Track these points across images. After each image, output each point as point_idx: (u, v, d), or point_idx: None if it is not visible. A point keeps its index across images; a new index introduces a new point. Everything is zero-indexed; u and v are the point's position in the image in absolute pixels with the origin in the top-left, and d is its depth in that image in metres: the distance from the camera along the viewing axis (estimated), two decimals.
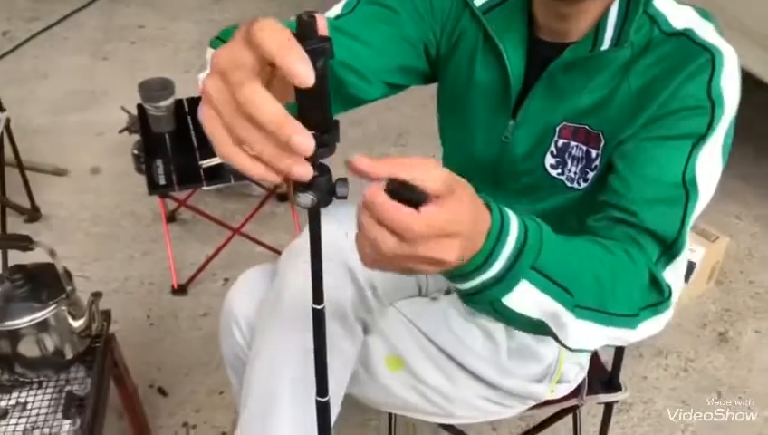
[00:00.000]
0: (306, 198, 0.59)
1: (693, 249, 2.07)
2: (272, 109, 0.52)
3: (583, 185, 1.06)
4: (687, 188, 0.93)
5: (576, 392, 1.35)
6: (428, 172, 0.60)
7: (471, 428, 1.37)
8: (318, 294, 0.67)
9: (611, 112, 1.01)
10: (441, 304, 1.23)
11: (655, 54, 0.98)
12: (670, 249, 0.91)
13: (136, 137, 2.29)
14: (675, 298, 0.91)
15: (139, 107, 2.24)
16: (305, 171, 0.55)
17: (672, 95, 0.95)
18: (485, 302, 0.74)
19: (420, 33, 1.11)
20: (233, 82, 0.53)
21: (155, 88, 2.15)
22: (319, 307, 0.68)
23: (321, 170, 0.59)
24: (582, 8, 0.98)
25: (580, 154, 1.05)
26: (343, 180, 0.61)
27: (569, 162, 1.07)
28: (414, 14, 1.10)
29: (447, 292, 1.30)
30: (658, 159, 0.95)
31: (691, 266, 2.06)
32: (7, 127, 2.28)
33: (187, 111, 2.30)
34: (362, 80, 1.03)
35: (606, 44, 0.99)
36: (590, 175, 1.05)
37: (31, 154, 2.67)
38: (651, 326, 0.89)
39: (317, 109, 0.57)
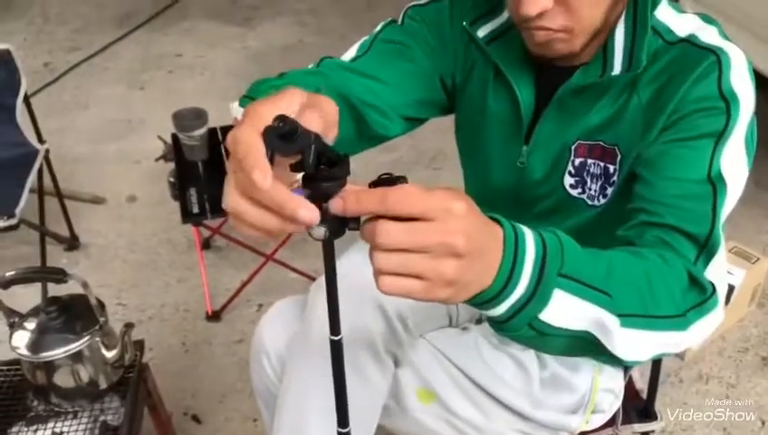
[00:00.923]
0: (319, 231, 0.60)
1: (732, 272, 2.02)
2: (275, 193, 0.58)
3: (603, 201, 1.05)
4: (714, 184, 0.90)
5: (611, 422, 1.32)
6: (407, 203, 0.59)
7: None
8: (335, 325, 0.67)
9: (623, 126, 1.00)
10: (472, 334, 1.22)
11: (660, 64, 0.97)
12: (706, 247, 0.88)
13: (172, 165, 2.32)
14: (721, 295, 0.86)
15: (174, 136, 2.27)
16: (311, 215, 0.59)
17: (683, 100, 0.93)
18: (523, 325, 0.70)
19: (435, 66, 1.13)
20: (245, 168, 0.59)
21: (188, 117, 2.18)
22: (336, 338, 0.68)
23: None
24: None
25: (599, 171, 1.05)
26: None
27: (588, 180, 1.06)
28: (427, 49, 1.12)
29: (479, 321, 1.29)
30: (681, 159, 0.93)
31: (731, 289, 2.02)
32: (47, 158, 2.33)
33: (220, 139, 2.32)
34: (384, 117, 1.06)
35: (617, 69, 0.99)
36: (609, 191, 1.04)
37: (70, 183, 2.74)
38: (702, 327, 0.83)
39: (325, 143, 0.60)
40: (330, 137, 0.66)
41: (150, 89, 3.53)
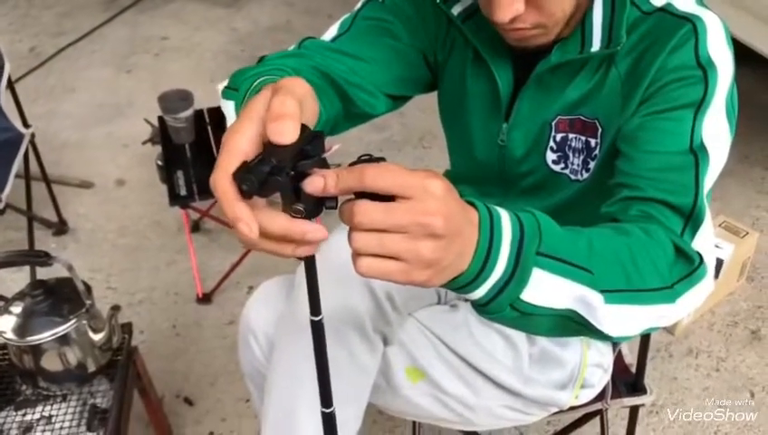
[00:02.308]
0: (296, 209, 0.59)
1: (721, 246, 2.02)
2: (275, 226, 0.59)
3: (586, 175, 1.05)
4: (696, 154, 0.89)
5: (600, 396, 1.32)
6: (385, 178, 0.58)
7: (498, 433, 1.36)
8: (315, 306, 0.67)
9: (602, 99, 1.00)
10: (461, 311, 1.22)
11: (637, 34, 0.96)
12: (691, 218, 0.87)
13: (160, 148, 2.30)
14: (709, 265, 0.85)
15: (160, 119, 2.26)
16: (321, 233, 0.59)
17: (660, 70, 0.93)
18: (505, 306, 0.69)
19: (417, 42, 1.13)
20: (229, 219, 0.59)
21: (174, 99, 2.16)
22: (316, 319, 0.67)
23: None
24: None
25: (580, 145, 1.05)
26: None
27: (570, 155, 1.06)
28: (408, 25, 1.12)
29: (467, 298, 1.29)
30: (661, 131, 0.92)
31: (720, 263, 2.02)
32: (33, 142, 2.31)
33: (207, 121, 2.31)
34: (369, 95, 1.05)
35: (596, 45, 0.98)
36: (592, 165, 1.04)
37: (57, 167, 2.72)
38: (692, 298, 0.83)
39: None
40: (309, 116, 0.65)
41: (138, 72, 3.50)
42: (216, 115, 2.29)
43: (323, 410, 0.73)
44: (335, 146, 0.68)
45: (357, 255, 0.60)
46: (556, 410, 1.28)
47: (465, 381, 1.18)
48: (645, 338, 1.36)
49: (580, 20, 0.98)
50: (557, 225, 0.72)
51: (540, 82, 1.04)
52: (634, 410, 1.49)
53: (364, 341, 1.11)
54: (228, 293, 2.26)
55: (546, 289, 0.70)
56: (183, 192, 2.03)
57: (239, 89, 0.89)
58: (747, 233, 2.11)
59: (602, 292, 0.74)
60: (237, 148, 0.59)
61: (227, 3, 4.06)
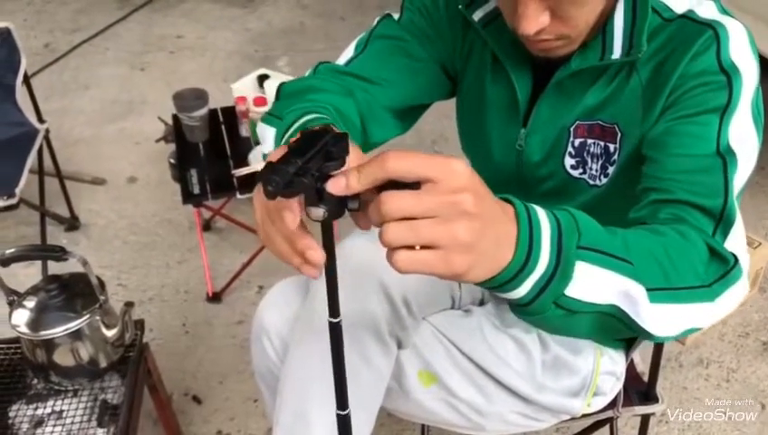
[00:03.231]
0: (318, 212, 0.58)
1: None
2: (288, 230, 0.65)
3: (604, 181, 1.05)
4: (724, 156, 0.89)
5: (612, 404, 1.32)
6: (408, 162, 0.57)
7: None
8: (334, 308, 0.66)
9: (622, 104, 1.00)
10: (474, 316, 1.22)
11: (658, 41, 0.96)
12: (722, 219, 0.86)
13: (173, 146, 2.31)
14: (744, 266, 0.84)
15: (174, 117, 2.26)
16: (318, 256, 0.64)
17: (683, 76, 0.92)
18: (549, 304, 0.66)
19: (435, 55, 1.15)
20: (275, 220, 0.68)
21: (189, 98, 2.17)
22: (335, 321, 0.67)
23: None
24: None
25: (599, 151, 1.04)
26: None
27: (588, 160, 1.06)
28: (424, 39, 1.13)
29: (481, 303, 1.28)
30: (688, 135, 0.91)
31: None
32: (47, 138, 2.32)
33: (221, 120, 2.31)
34: (380, 126, 1.10)
35: (617, 53, 0.97)
36: (610, 170, 1.04)
37: (70, 164, 2.73)
38: (730, 298, 0.81)
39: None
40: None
41: (151, 70, 3.52)
42: (230, 115, 2.30)
43: (339, 412, 0.72)
44: None
45: (392, 251, 0.58)
46: (568, 417, 1.27)
47: (477, 387, 1.18)
48: (658, 347, 1.36)
49: (602, 27, 0.98)
50: (592, 219, 0.71)
51: (559, 87, 1.04)
52: (645, 419, 1.48)
53: (380, 344, 1.10)
54: (238, 292, 2.27)
55: (590, 283, 0.68)
56: (196, 190, 2.03)
57: (283, 118, 0.91)
58: (760, 244, 2.10)
59: (646, 289, 0.72)
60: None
61: (242, 3, 4.08)
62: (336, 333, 0.68)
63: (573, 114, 1.05)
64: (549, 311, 0.68)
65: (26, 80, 2.25)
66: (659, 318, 0.75)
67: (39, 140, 2.24)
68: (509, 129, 1.12)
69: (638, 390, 1.39)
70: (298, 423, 1.10)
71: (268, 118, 0.99)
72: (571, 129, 1.06)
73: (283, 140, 0.90)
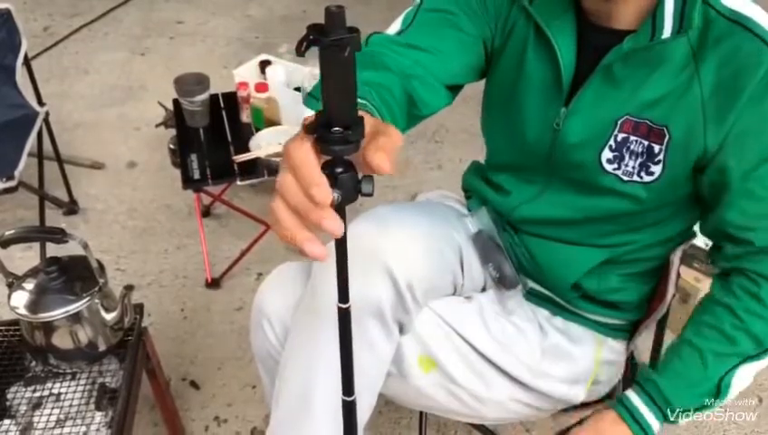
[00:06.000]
0: (332, 196, 0.58)
1: None
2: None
3: (646, 178, 1.05)
4: None
5: (611, 394, 1.32)
6: None
7: (504, 427, 1.35)
8: (344, 293, 0.66)
9: (679, 110, 0.99)
10: (475, 302, 1.21)
11: (719, 51, 0.96)
12: None
13: (172, 131, 2.30)
14: None
15: (175, 102, 2.25)
16: (336, 225, 0.58)
17: (752, 106, 0.95)
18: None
19: (479, 30, 1.13)
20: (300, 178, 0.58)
21: (190, 83, 2.16)
22: (344, 306, 0.66)
23: (346, 167, 0.58)
24: None
25: (641, 149, 1.04)
26: (368, 178, 0.59)
27: (626, 157, 1.05)
28: (470, 13, 1.12)
29: (483, 290, 1.28)
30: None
31: None
32: (46, 121, 2.31)
33: (222, 106, 2.31)
34: (431, 91, 1.05)
35: (667, 32, 0.97)
36: (654, 169, 1.04)
37: (69, 148, 2.72)
38: None
39: (343, 103, 0.56)
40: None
41: (151, 55, 3.50)
42: (231, 101, 2.29)
43: (345, 398, 0.72)
44: None
45: None
46: (567, 405, 1.27)
47: (476, 373, 1.18)
48: (658, 337, 1.35)
49: (652, 12, 0.98)
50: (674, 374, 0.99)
51: (608, 72, 1.03)
52: None
53: (383, 328, 1.10)
54: (237, 278, 2.26)
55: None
56: (196, 176, 2.02)
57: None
58: None
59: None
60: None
61: None
62: (345, 318, 0.67)
63: (623, 107, 1.03)
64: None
65: (27, 62, 2.23)
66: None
67: (39, 122, 2.23)
68: (549, 107, 1.10)
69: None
70: (299, 406, 1.09)
71: (310, 99, 0.98)
72: (619, 122, 1.04)
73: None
